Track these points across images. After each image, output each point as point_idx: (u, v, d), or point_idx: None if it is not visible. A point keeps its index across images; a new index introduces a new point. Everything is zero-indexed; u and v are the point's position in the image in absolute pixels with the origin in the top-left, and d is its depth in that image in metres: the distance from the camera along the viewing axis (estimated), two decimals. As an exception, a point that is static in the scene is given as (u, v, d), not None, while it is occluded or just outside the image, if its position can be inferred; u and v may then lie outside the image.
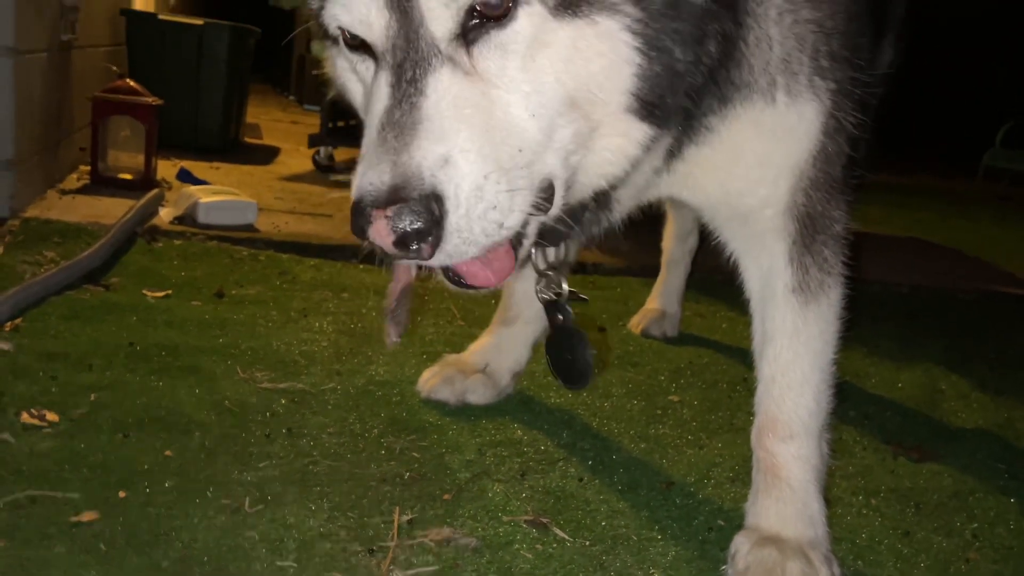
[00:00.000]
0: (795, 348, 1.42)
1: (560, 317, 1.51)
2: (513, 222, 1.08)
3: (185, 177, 3.70)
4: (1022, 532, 1.66)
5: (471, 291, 1.16)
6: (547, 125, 1.09)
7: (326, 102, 4.96)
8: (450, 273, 1.14)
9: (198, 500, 1.39)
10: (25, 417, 1.55)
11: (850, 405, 2.22)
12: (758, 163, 1.35)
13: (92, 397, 1.67)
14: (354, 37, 1.10)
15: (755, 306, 1.49)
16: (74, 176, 3.65)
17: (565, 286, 1.48)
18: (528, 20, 1.05)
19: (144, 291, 2.38)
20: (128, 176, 3.59)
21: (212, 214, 3.09)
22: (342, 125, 5.07)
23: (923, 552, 1.54)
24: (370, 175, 1.02)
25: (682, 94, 1.16)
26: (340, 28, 1.11)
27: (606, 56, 1.08)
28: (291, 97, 9.56)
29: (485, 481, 1.56)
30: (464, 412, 1.85)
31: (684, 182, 1.40)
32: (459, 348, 2.20)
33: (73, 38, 3.50)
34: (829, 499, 1.58)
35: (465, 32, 1.04)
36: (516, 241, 1.14)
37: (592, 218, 1.37)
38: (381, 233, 1.01)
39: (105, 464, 1.44)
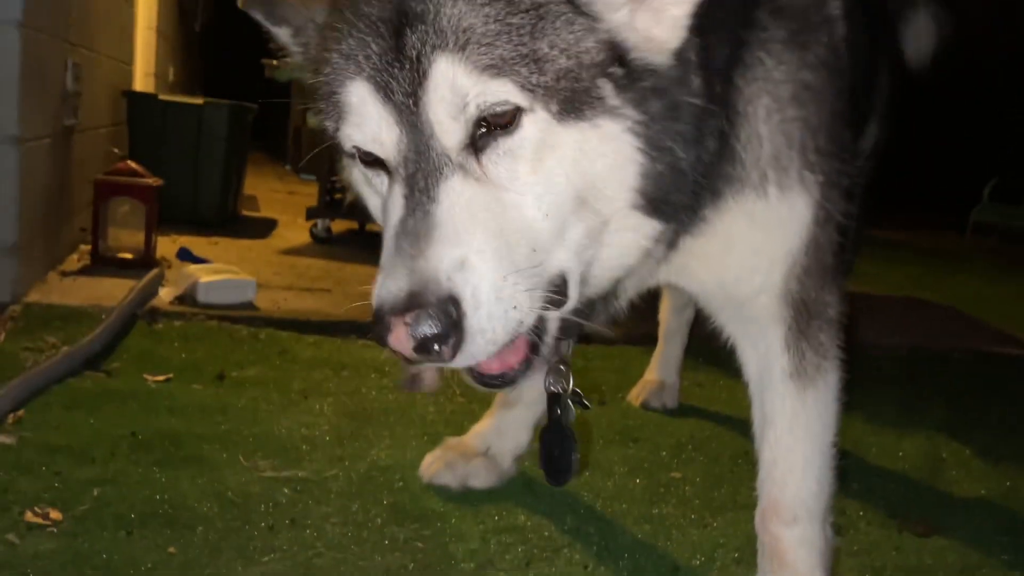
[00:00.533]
0: (795, 432, 1.45)
1: (559, 412, 1.53)
2: (531, 320, 1.11)
3: (185, 256, 3.74)
4: (1030, 609, 1.65)
5: (497, 388, 1.17)
6: (559, 224, 1.13)
7: (324, 175, 5.05)
8: (475, 372, 1.16)
9: (202, 600, 1.38)
10: (29, 516, 1.55)
11: (853, 477, 2.22)
12: (752, 252, 1.40)
13: (95, 492, 1.67)
14: (367, 154, 1.15)
15: (754, 390, 1.52)
16: (74, 257, 3.68)
17: (571, 383, 1.50)
18: (534, 127, 1.10)
19: (145, 375, 2.39)
20: (128, 255, 3.62)
21: (212, 293, 3.12)
22: (339, 198, 5.14)
23: (933, 634, 1.53)
24: (388, 283, 1.05)
25: (687, 191, 1.21)
26: (354, 147, 1.16)
27: (610, 156, 1.13)
28: (287, 167, 9.69)
29: (490, 572, 1.56)
30: (467, 497, 1.85)
31: (681, 271, 1.44)
32: (460, 426, 2.21)
33: (75, 123, 3.58)
34: (836, 579, 1.58)
35: (474, 141, 1.09)
36: (537, 336, 1.16)
37: (600, 307, 1.40)
38: (401, 340, 1.03)
39: (109, 565, 1.44)
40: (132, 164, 3.69)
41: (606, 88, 1.12)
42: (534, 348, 1.17)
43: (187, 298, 3.13)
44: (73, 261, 3.61)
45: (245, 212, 5.74)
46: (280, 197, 7.17)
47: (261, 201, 6.55)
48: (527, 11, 1.08)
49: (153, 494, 1.70)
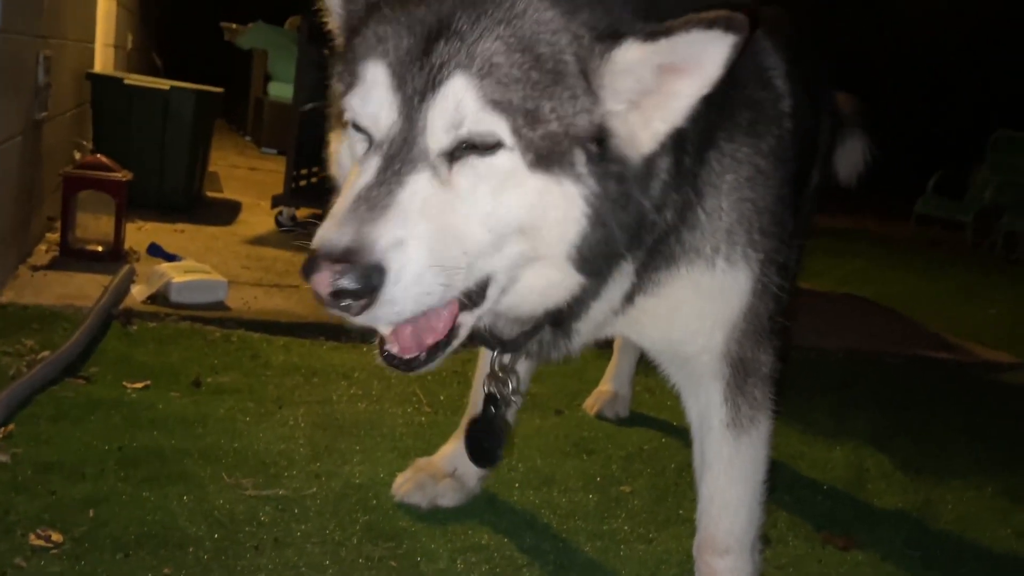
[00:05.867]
0: (730, 474, 1.64)
1: (493, 411, 1.72)
2: (438, 304, 1.25)
3: (155, 251, 3.80)
4: (931, 623, 1.88)
5: (403, 371, 1.34)
6: (498, 239, 1.27)
7: (291, 158, 5.09)
8: (386, 353, 1.33)
9: (198, 620, 1.53)
10: (32, 539, 1.66)
11: (784, 489, 2.43)
12: (696, 316, 1.57)
13: (91, 513, 1.79)
14: (359, 124, 1.30)
15: (695, 434, 1.71)
16: (42, 248, 3.72)
17: (508, 391, 1.70)
18: (507, 162, 1.24)
19: (124, 383, 2.49)
20: (97, 248, 3.68)
21: (184, 293, 3.21)
22: (304, 185, 5.21)
23: (844, 646, 1.75)
24: (333, 232, 1.18)
25: (611, 261, 1.37)
26: (353, 116, 1.30)
27: (561, 210, 1.28)
28: (247, 138, 9.63)
29: (457, 590, 1.73)
30: (435, 514, 2.01)
31: (632, 326, 1.61)
32: (428, 440, 2.37)
33: (45, 115, 3.60)
34: (763, 593, 1.79)
35: (453, 152, 1.24)
36: (452, 333, 1.33)
37: (551, 344, 1.56)
38: (322, 283, 1.16)
39: (111, 587, 1.58)
40: (101, 158, 3.73)
41: (580, 157, 1.27)
42: (441, 343, 1.33)
43: (159, 297, 3.21)
44: (41, 253, 3.65)
45: (208, 193, 5.77)
46: (242, 174, 7.17)
47: (223, 179, 6.56)
48: (547, 72, 1.24)
49: (144, 514, 1.82)
